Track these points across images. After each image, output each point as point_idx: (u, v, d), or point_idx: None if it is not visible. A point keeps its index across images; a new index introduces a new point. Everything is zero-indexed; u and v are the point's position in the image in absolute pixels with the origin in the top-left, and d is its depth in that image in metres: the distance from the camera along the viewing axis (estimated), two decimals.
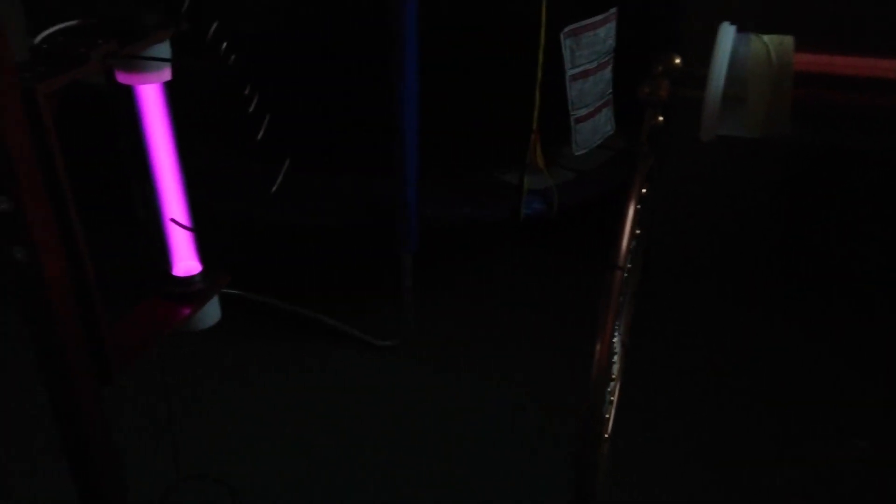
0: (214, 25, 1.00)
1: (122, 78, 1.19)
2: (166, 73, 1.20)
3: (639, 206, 1.25)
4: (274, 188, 1.15)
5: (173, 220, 1.28)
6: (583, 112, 2.25)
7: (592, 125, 2.29)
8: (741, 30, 1.22)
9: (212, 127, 2.34)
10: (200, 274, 1.40)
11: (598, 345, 1.14)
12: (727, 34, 1.22)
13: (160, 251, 1.38)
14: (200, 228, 1.33)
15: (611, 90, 2.32)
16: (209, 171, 2.32)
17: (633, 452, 2.01)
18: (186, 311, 1.36)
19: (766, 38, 1.28)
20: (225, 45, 0.97)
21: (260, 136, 1.07)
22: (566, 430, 2.13)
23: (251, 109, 1.02)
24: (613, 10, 2.20)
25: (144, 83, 1.20)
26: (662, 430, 2.15)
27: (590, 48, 2.17)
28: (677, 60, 1.31)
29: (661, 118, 1.35)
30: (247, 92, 1.02)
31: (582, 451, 1.16)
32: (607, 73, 2.27)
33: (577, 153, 2.29)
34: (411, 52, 1.95)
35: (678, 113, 1.45)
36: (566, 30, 2.12)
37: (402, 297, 2.37)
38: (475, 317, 2.60)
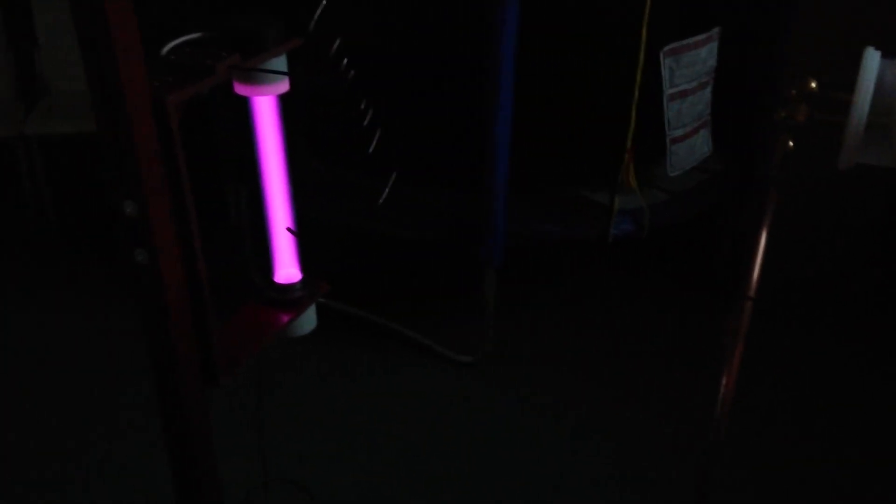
0: (338, 42, 1.01)
1: (240, 89, 1.22)
2: (283, 86, 1.23)
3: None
4: (381, 200, 1.16)
5: (289, 230, 1.31)
6: (679, 132, 2.20)
7: (689, 146, 2.24)
8: (885, 55, 1.16)
9: (309, 136, 2.39)
10: (301, 282, 1.42)
11: (724, 377, 1.10)
12: (872, 59, 1.16)
13: (262, 258, 1.41)
14: (302, 237, 1.35)
15: (709, 111, 2.27)
16: (305, 180, 2.37)
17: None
18: (286, 318, 1.38)
19: None
20: (346, 61, 0.99)
21: (371, 149, 1.08)
22: (643, 459, 2.09)
23: (365, 123, 1.03)
24: (716, 29, 2.15)
25: (261, 95, 1.23)
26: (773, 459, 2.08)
27: (690, 68, 2.13)
28: (813, 84, 1.25)
29: (791, 143, 1.30)
30: (363, 106, 1.04)
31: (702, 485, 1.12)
32: (706, 93, 2.22)
33: (671, 174, 2.24)
34: (507, 67, 1.95)
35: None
36: (666, 49, 2.08)
37: (484, 312, 2.37)
38: (557, 337, 2.57)
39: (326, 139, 2.35)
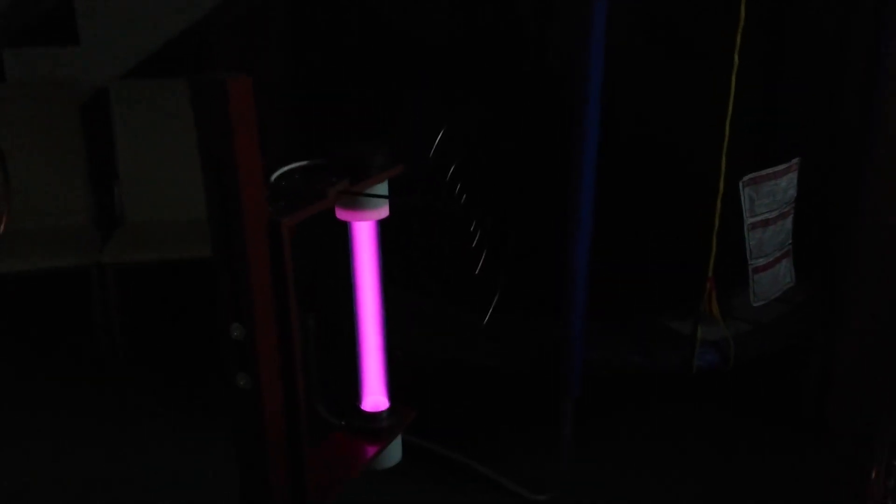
0: (452, 168, 1.02)
1: (342, 215, 1.23)
2: (384, 211, 1.23)
3: None
4: (485, 320, 1.12)
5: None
6: (762, 262, 2.15)
7: (772, 276, 2.18)
8: None
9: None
10: (387, 410, 1.37)
11: None
12: None
13: (350, 384, 1.37)
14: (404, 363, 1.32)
15: (790, 241, 2.22)
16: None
17: None
18: (374, 450, 1.32)
19: None
20: (459, 185, 0.99)
21: (478, 269, 1.06)
22: None
23: (474, 245, 1.02)
24: (796, 160, 2.14)
25: (363, 220, 1.23)
26: None
27: (770, 197, 2.11)
28: None
29: None
30: (472, 228, 1.02)
31: None
32: (788, 223, 2.19)
33: (755, 304, 2.17)
34: (587, 193, 1.95)
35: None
36: (745, 178, 2.07)
37: (560, 446, 2.26)
38: (636, 476, 2.43)
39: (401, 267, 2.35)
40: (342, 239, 1.27)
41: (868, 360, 2.41)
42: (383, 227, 1.27)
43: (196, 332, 3.26)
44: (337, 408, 1.35)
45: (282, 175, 1.14)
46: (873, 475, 1.04)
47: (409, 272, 2.23)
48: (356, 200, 1.20)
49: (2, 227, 1.59)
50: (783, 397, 2.68)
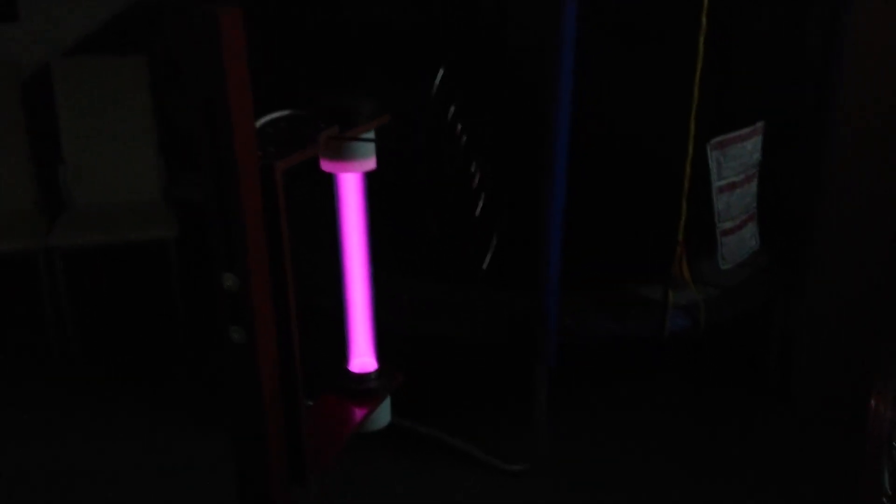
0: (453, 108, 0.98)
1: (328, 166, 1.18)
2: (370, 163, 1.19)
3: None
4: (485, 265, 1.10)
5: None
6: (729, 225, 2.18)
7: (739, 239, 2.21)
8: None
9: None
10: (376, 372, 1.34)
11: None
12: None
13: (338, 345, 1.33)
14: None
15: (755, 204, 2.26)
16: None
17: None
18: (364, 411, 1.29)
19: None
20: (460, 126, 0.95)
21: (478, 211, 1.03)
22: None
23: (474, 184, 0.99)
24: (761, 123, 2.17)
25: (349, 171, 1.19)
26: None
27: (737, 160, 2.13)
28: None
29: None
30: (473, 170, 0.99)
31: None
32: (753, 186, 2.22)
33: (723, 267, 2.20)
34: (560, 166, 1.94)
35: None
36: (713, 142, 2.09)
37: (535, 415, 2.25)
38: (609, 445, 2.44)
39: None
40: (327, 195, 1.23)
41: (830, 324, 2.47)
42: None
43: (148, 316, 3.16)
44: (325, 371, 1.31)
45: (267, 123, 1.09)
46: (873, 405, 1.05)
47: (382, 247, 2.19)
48: (342, 151, 1.15)
49: None
50: (750, 362, 2.73)
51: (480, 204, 1.01)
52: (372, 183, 1.22)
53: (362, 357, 1.33)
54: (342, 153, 1.15)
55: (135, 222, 2.94)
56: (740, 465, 2.33)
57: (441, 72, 0.96)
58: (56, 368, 2.87)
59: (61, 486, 2.28)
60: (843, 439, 2.38)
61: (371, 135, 1.18)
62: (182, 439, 2.45)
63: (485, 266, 1.06)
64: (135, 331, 3.10)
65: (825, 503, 2.16)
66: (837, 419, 2.45)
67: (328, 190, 1.23)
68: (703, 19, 1.95)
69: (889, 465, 0.97)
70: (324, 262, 1.37)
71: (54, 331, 2.90)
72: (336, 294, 1.28)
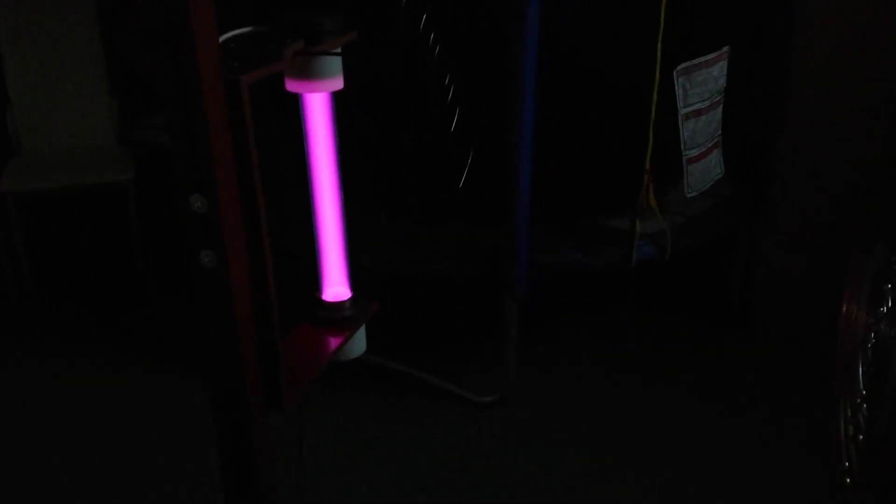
0: (424, 17, 0.95)
1: (293, 86, 1.14)
2: (338, 83, 1.15)
3: None
4: (461, 183, 1.08)
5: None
6: (695, 152, 2.18)
7: (704, 166, 2.22)
8: None
9: None
10: (350, 300, 1.32)
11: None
12: None
13: (311, 274, 1.31)
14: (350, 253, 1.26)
15: (720, 131, 2.26)
16: None
17: None
18: (340, 339, 1.27)
19: None
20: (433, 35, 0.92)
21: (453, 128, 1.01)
22: (670, 493, 1.99)
23: (448, 100, 0.96)
24: (726, 48, 2.16)
25: (315, 91, 1.14)
26: None
27: (702, 87, 2.12)
28: None
29: None
30: (447, 82, 0.96)
31: None
32: (718, 113, 2.22)
33: (689, 195, 2.21)
34: (528, 101, 1.90)
35: None
36: (679, 68, 2.08)
37: (506, 347, 2.27)
38: (578, 376, 2.48)
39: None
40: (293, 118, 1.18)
41: (791, 252, 2.51)
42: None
43: (107, 261, 3.09)
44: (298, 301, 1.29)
45: (230, 39, 1.04)
46: (844, 309, 1.06)
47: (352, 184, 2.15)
48: (308, 68, 1.11)
49: None
50: (714, 292, 2.77)
51: (455, 118, 0.98)
52: (342, 116, 1.18)
53: (336, 286, 1.31)
54: (308, 70, 1.11)
55: (89, 166, 2.85)
56: (702, 391, 2.38)
57: None
58: (13, 316, 2.80)
59: (28, 431, 2.24)
60: (802, 364, 2.45)
61: (337, 58, 1.14)
62: (146, 386, 2.43)
63: (461, 184, 1.04)
64: (93, 276, 3.04)
65: (781, 424, 2.23)
66: (797, 345, 2.51)
67: (291, 123, 1.19)
68: None
69: (864, 366, 0.99)
70: (292, 200, 1.34)
71: (11, 278, 2.83)
72: (306, 230, 1.25)
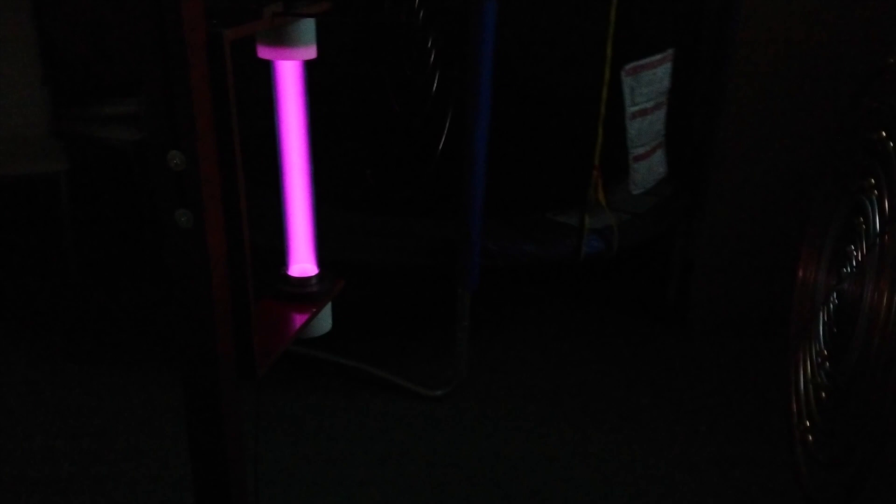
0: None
1: (265, 53, 1.12)
2: (311, 51, 1.14)
3: None
4: (431, 167, 1.08)
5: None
6: (640, 151, 2.25)
7: (648, 165, 2.29)
8: None
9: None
10: (316, 276, 1.30)
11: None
12: None
13: (278, 249, 1.29)
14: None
15: (664, 132, 2.33)
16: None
17: None
18: (306, 316, 1.25)
19: None
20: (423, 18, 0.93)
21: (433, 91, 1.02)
22: (618, 483, 2.03)
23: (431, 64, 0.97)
24: (671, 50, 2.24)
25: (287, 59, 1.13)
26: None
27: (648, 87, 2.19)
28: None
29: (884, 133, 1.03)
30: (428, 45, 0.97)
31: None
32: (662, 113, 2.29)
33: (634, 192, 2.27)
34: (484, 102, 1.93)
35: None
36: (627, 67, 2.14)
37: (457, 338, 2.27)
38: (525, 369, 2.50)
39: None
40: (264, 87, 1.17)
41: (726, 251, 2.61)
42: None
43: (39, 253, 2.98)
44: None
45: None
46: (801, 275, 1.10)
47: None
48: (281, 36, 1.10)
49: None
50: (651, 289, 2.85)
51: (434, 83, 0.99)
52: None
53: (303, 262, 1.29)
54: (281, 37, 1.10)
55: (22, 156, 2.74)
56: (640, 382, 2.44)
57: None
58: None
59: None
60: (733, 360, 2.54)
61: (311, 23, 1.13)
62: (81, 377, 2.34)
63: (431, 167, 1.04)
64: (25, 268, 2.92)
65: (713, 411, 2.30)
66: (730, 342, 2.61)
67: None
68: None
69: (825, 326, 1.04)
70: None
71: None
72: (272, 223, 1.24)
